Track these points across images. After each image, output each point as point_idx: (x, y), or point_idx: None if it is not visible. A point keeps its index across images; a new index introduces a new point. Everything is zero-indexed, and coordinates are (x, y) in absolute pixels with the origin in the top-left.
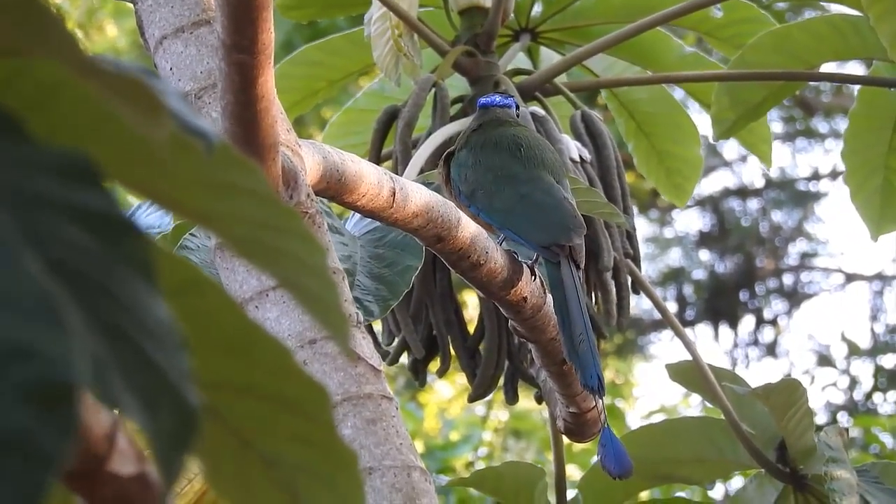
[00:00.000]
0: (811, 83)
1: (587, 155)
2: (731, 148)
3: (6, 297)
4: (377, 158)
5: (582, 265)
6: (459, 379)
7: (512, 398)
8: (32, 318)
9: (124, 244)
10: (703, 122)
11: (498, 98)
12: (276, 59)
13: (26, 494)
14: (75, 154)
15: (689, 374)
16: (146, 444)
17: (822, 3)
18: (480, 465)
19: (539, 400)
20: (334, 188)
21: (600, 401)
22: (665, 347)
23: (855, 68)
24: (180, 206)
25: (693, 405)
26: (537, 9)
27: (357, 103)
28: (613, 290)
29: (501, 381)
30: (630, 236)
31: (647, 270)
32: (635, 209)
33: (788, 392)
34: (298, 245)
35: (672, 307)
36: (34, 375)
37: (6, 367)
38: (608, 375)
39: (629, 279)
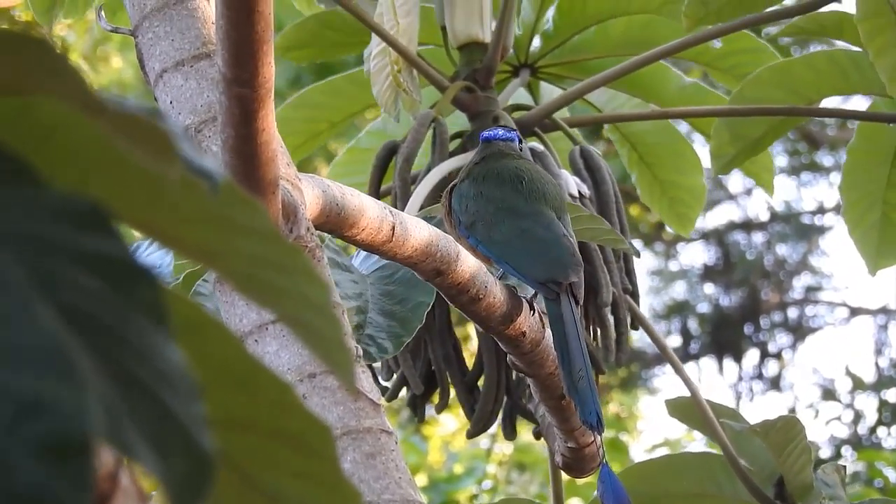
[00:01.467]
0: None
1: (586, 190)
2: (735, 181)
3: (18, 349)
4: (376, 194)
5: (581, 301)
6: (464, 413)
7: (510, 433)
8: (45, 370)
9: (137, 290)
10: (705, 152)
11: (500, 132)
12: (285, 96)
13: None
14: (86, 199)
15: (688, 409)
16: (159, 491)
17: (824, 38)
18: (484, 498)
19: (538, 436)
20: (334, 222)
21: (599, 437)
22: (669, 381)
23: (858, 103)
24: (182, 243)
25: (697, 439)
26: (536, 43)
27: (360, 142)
28: (612, 325)
29: (500, 416)
30: (629, 272)
31: (652, 303)
32: (640, 242)
33: (787, 429)
34: (301, 282)
35: (676, 340)
36: (48, 430)
37: (20, 422)
38: (612, 408)
39: (628, 315)
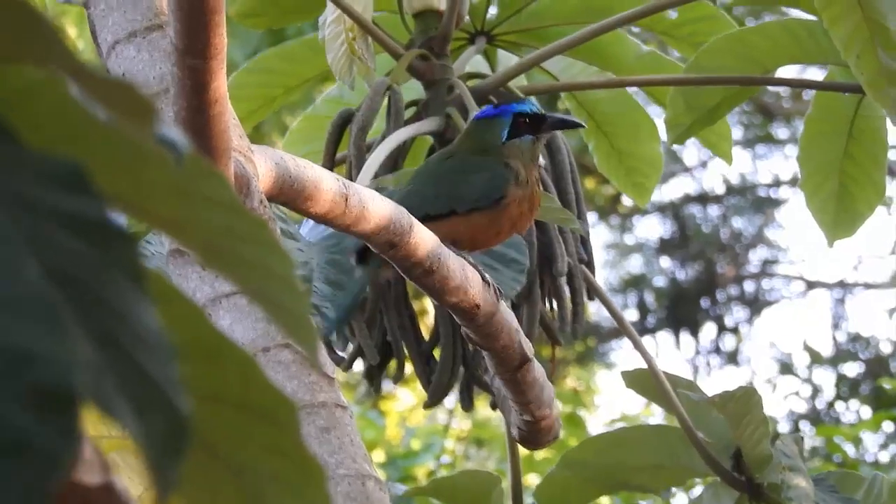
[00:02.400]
0: (771, 88)
1: (541, 160)
2: (691, 154)
3: (8, 301)
4: (331, 162)
5: None
6: (421, 387)
7: (467, 405)
8: (34, 323)
9: (117, 252)
10: (661, 122)
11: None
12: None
13: (31, 497)
14: (68, 159)
15: (645, 381)
16: (135, 452)
17: (779, 8)
18: (442, 474)
19: (494, 407)
20: (287, 194)
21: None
22: (626, 355)
23: (814, 74)
24: (148, 213)
25: (655, 413)
26: (493, 11)
27: (316, 110)
28: (568, 296)
29: (457, 387)
30: (585, 242)
31: (608, 277)
32: (595, 215)
33: (744, 400)
34: (266, 254)
35: (633, 315)
36: (37, 379)
37: (10, 371)
38: (569, 383)
39: (584, 285)
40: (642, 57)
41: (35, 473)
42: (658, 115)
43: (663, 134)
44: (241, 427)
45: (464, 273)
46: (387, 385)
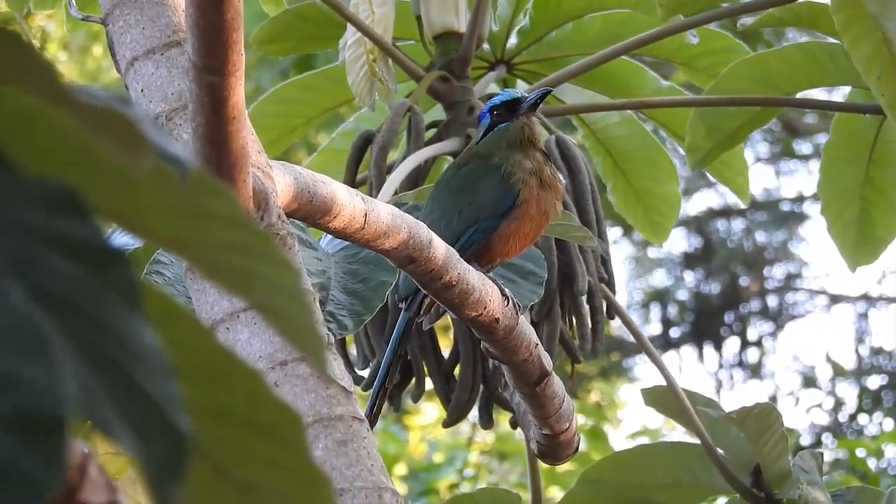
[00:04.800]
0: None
1: (562, 179)
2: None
3: None
4: (352, 183)
5: None
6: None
7: (487, 422)
8: (19, 349)
9: (111, 273)
10: (680, 158)
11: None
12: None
13: None
14: (61, 184)
15: (664, 398)
16: (136, 472)
17: (798, 29)
18: (465, 487)
19: (514, 425)
20: (306, 209)
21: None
22: (650, 370)
23: (837, 97)
24: (153, 232)
25: (676, 427)
26: (513, 40)
27: (334, 143)
28: (588, 314)
29: (477, 405)
30: (605, 261)
31: (631, 291)
32: (619, 229)
33: (763, 416)
34: (272, 269)
35: (656, 328)
36: (20, 406)
37: None
38: (592, 397)
39: (604, 304)
40: (660, 90)
41: (20, 499)
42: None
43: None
44: (248, 443)
45: (483, 287)
46: (409, 401)
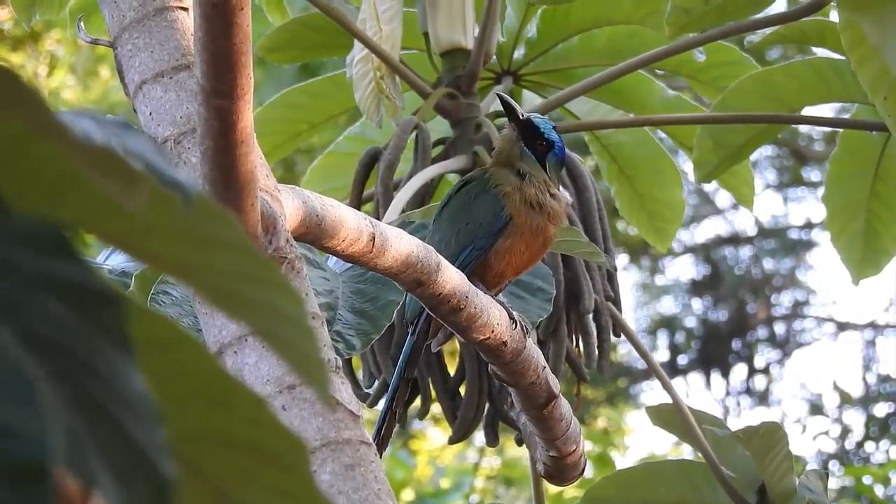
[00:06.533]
0: (801, 129)
1: (568, 198)
2: (723, 196)
3: None
4: (358, 200)
5: None
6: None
7: (493, 440)
8: (6, 395)
9: (102, 316)
10: (687, 166)
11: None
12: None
13: None
14: (49, 224)
15: (670, 416)
16: None
17: (806, 47)
18: None
19: (520, 443)
20: (314, 233)
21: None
22: (657, 396)
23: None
24: (155, 258)
25: (685, 453)
26: (520, 51)
27: (338, 147)
28: (594, 332)
29: (483, 423)
30: (611, 279)
31: (638, 318)
32: (626, 257)
33: (769, 435)
34: (276, 295)
35: (664, 355)
36: (7, 454)
37: None
38: (599, 423)
39: (610, 322)
40: (668, 101)
41: None
42: (684, 161)
43: (689, 177)
44: (250, 469)
45: (491, 310)
46: (417, 424)
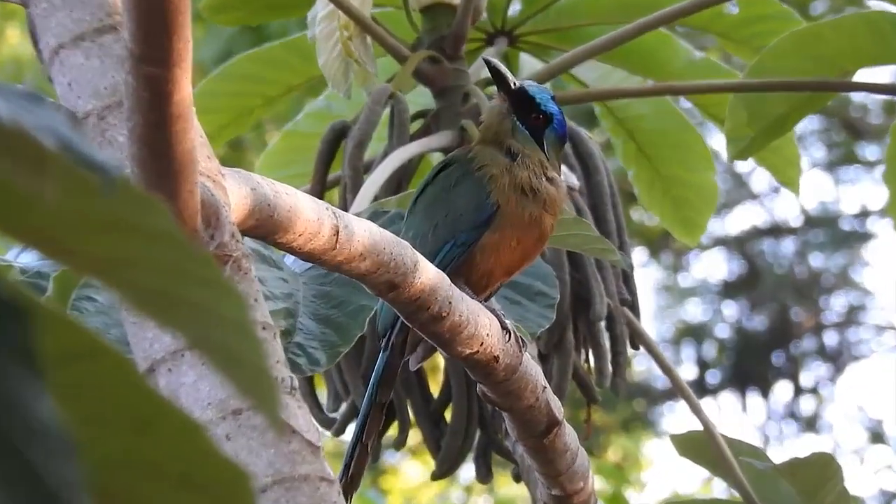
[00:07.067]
0: (855, 97)
1: (575, 182)
2: (761, 177)
3: None
4: (322, 185)
5: None
6: (430, 457)
7: (485, 475)
8: None
9: (6, 333)
10: (719, 142)
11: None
12: (210, 73)
13: None
14: None
15: (701, 446)
16: None
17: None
18: None
19: (517, 479)
20: (265, 226)
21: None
22: (682, 421)
23: None
24: (71, 255)
25: (717, 492)
26: (515, 7)
27: (298, 126)
28: (607, 343)
29: (472, 455)
30: (627, 279)
31: (659, 326)
32: (645, 252)
33: (819, 468)
34: (216, 299)
35: (690, 372)
36: None
37: None
38: (611, 455)
39: (626, 332)
40: (694, 64)
41: None
42: (715, 136)
43: (721, 156)
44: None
45: (479, 319)
46: (391, 457)
